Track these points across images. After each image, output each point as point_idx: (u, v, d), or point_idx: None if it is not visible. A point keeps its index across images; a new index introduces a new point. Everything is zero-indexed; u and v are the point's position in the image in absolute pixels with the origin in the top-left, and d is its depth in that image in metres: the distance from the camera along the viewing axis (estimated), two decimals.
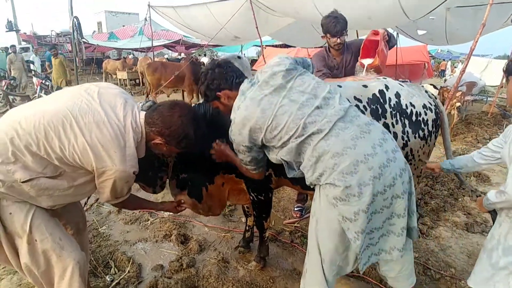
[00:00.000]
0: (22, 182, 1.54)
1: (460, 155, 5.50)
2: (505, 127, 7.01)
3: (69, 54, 19.34)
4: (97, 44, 20.61)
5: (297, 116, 1.55)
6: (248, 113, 1.61)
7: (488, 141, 6.57)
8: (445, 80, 12.54)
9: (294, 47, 14.06)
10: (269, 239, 3.00)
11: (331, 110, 1.56)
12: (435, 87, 7.42)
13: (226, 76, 1.78)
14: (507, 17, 8.16)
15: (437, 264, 2.81)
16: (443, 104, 6.58)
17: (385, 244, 1.66)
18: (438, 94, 6.56)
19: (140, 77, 15.63)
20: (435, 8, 5.69)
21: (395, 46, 11.22)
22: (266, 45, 17.44)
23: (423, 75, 12.73)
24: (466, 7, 7.43)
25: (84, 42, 14.75)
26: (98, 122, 1.57)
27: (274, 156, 1.68)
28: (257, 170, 1.84)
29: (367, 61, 2.56)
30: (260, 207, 2.40)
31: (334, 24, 2.76)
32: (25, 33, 28.52)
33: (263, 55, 10.59)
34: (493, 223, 1.80)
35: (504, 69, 1.71)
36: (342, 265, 1.67)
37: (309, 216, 1.76)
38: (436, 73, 24.05)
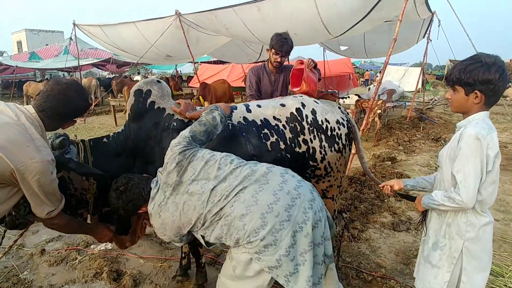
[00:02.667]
0: None
1: (384, 158, 5.99)
2: (422, 129, 7.69)
3: None
4: (16, 66, 18.88)
5: (200, 206, 1.64)
6: (162, 219, 1.71)
7: (408, 143, 7.27)
8: (369, 88, 13.66)
9: (229, 63, 14.28)
10: (208, 263, 2.95)
11: (224, 184, 1.65)
12: (359, 96, 8.04)
13: (136, 196, 1.83)
14: (418, 33, 9.20)
15: (369, 266, 2.98)
16: (364, 113, 7.15)
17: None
18: (356, 106, 7.08)
19: None
20: (355, 25, 6.19)
21: (324, 60, 11.91)
22: (201, 62, 17.46)
23: (349, 85, 13.76)
24: (384, 39, 8.19)
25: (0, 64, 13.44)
26: None
27: (197, 235, 1.74)
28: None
29: (296, 89, 2.70)
30: None
31: (282, 43, 3.02)
32: None
33: (196, 74, 10.60)
34: (422, 220, 1.90)
35: (452, 79, 1.64)
36: None
37: None
38: (361, 81, 26.08)
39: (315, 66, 2.84)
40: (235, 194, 1.61)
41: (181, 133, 1.83)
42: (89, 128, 9.86)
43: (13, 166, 1.49)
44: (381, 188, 2.01)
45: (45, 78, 19.82)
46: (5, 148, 1.48)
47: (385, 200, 4.28)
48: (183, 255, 2.86)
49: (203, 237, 1.70)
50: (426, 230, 1.84)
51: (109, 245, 3.35)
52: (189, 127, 1.86)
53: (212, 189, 1.64)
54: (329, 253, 1.72)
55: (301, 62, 2.71)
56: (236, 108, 2.23)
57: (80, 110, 1.86)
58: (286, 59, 3.13)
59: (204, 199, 1.63)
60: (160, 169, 1.80)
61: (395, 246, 3.31)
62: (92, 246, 3.39)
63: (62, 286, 2.83)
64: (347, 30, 6.54)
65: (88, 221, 2.27)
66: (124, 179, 1.87)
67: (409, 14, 6.23)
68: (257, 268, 1.58)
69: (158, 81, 2.28)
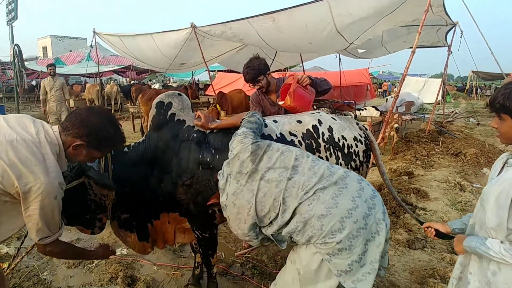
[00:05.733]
0: None
1: (401, 173, 5.89)
2: (441, 143, 7.34)
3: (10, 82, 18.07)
4: (41, 71, 19.60)
5: (276, 193, 1.65)
6: (237, 208, 1.71)
7: (426, 157, 7.12)
8: (387, 100, 13.49)
9: None
10: (220, 273, 2.97)
11: (303, 178, 1.67)
12: (376, 108, 7.94)
13: (203, 188, 1.84)
14: (438, 34, 8.98)
15: (382, 284, 2.92)
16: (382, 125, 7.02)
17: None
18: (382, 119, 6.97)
19: (89, 105, 15.01)
20: (369, 28, 6.12)
21: (340, 70, 11.78)
22: (218, 70, 17.68)
23: (366, 96, 13.65)
24: (401, 27, 8.07)
25: (26, 69, 14.00)
26: (12, 141, 1.51)
27: (266, 232, 1.74)
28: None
29: (281, 102, 2.70)
30: (205, 245, 2.38)
31: (246, 73, 2.91)
32: None
33: (211, 84, 10.79)
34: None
35: (496, 105, 1.46)
36: None
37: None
38: (379, 92, 25.79)
39: (313, 84, 2.75)
40: (314, 193, 1.63)
41: (237, 131, 1.89)
42: None
43: (18, 184, 1.47)
44: (425, 229, 1.87)
45: (68, 83, 20.41)
46: (14, 165, 1.48)
47: (401, 216, 4.21)
48: (196, 264, 2.89)
49: (272, 235, 1.71)
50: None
51: (124, 251, 3.42)
52: (243, 127, 1.91)
53: (290, 179, 1.66)
54: (385, 265, 1.76)
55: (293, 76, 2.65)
56: None
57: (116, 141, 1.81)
58: (264, 79, 2.88)
59: (282, 187, 1.65)
60: (226, 160, 1.82)
61: (410, 265, 3.24)
62: None
63: None
64: (362, 33, 6.43)
65: (108, 226, 2.36)
66: (188, 174, 1.92)
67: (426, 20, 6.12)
68: (326, 271, 1.61)
69: (179, 94, 2.37)
